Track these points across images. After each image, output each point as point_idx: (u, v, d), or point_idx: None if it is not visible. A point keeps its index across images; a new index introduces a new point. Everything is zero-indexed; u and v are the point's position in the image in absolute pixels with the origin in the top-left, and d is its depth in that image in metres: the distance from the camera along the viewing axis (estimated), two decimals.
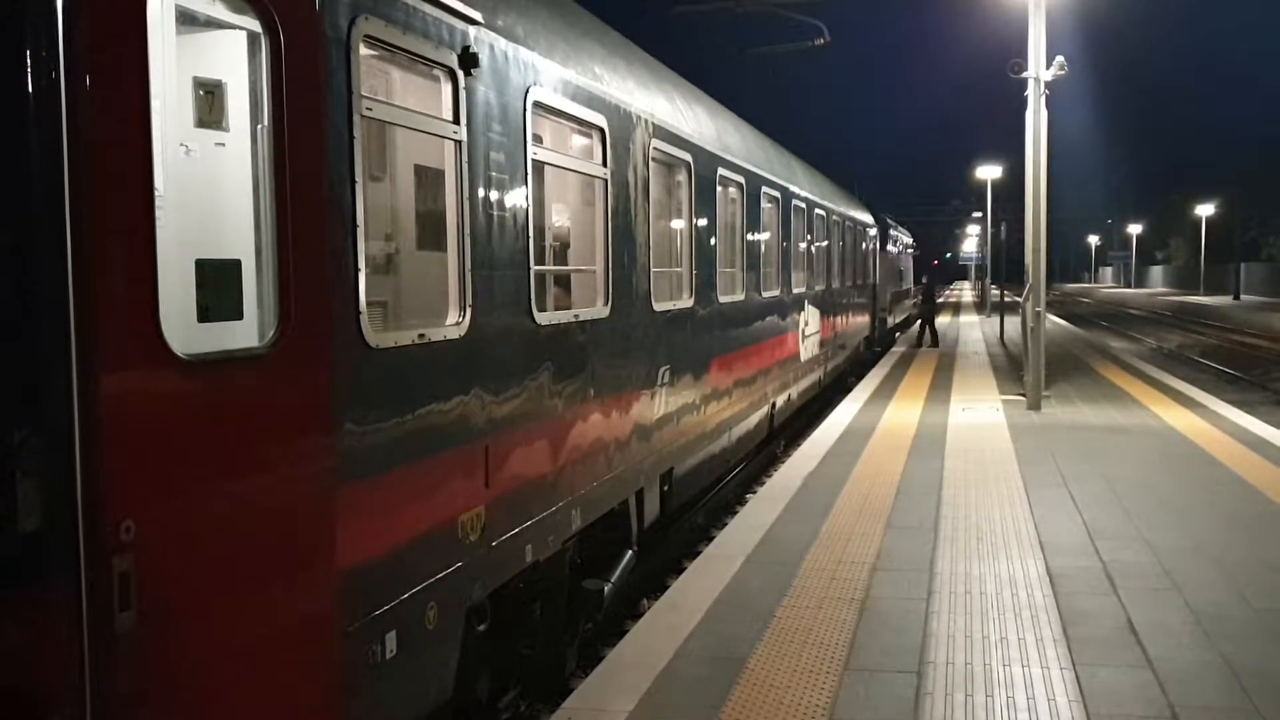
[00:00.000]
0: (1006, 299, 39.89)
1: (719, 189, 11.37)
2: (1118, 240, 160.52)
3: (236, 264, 4.08)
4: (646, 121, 8.70)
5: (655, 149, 8.95)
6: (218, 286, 3.99)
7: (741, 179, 12.50)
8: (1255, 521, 9.62)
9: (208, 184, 4.11)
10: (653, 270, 8.84)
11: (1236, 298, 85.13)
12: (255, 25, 4.03)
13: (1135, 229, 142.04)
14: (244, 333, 4.07)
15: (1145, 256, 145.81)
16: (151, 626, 3.35)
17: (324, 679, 4.31)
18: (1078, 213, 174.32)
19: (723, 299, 11.38)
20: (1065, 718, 5.54)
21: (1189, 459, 12.78)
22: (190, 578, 3.56)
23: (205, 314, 3.95)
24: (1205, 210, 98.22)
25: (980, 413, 17.10)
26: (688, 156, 10.07)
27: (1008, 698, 5.81)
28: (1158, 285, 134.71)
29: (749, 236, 12.98)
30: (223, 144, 4.19)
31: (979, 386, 20.95)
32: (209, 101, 4.16)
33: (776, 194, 14.79)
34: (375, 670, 4.61)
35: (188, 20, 4.03)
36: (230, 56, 4.15)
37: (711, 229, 10.93)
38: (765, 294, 13.87)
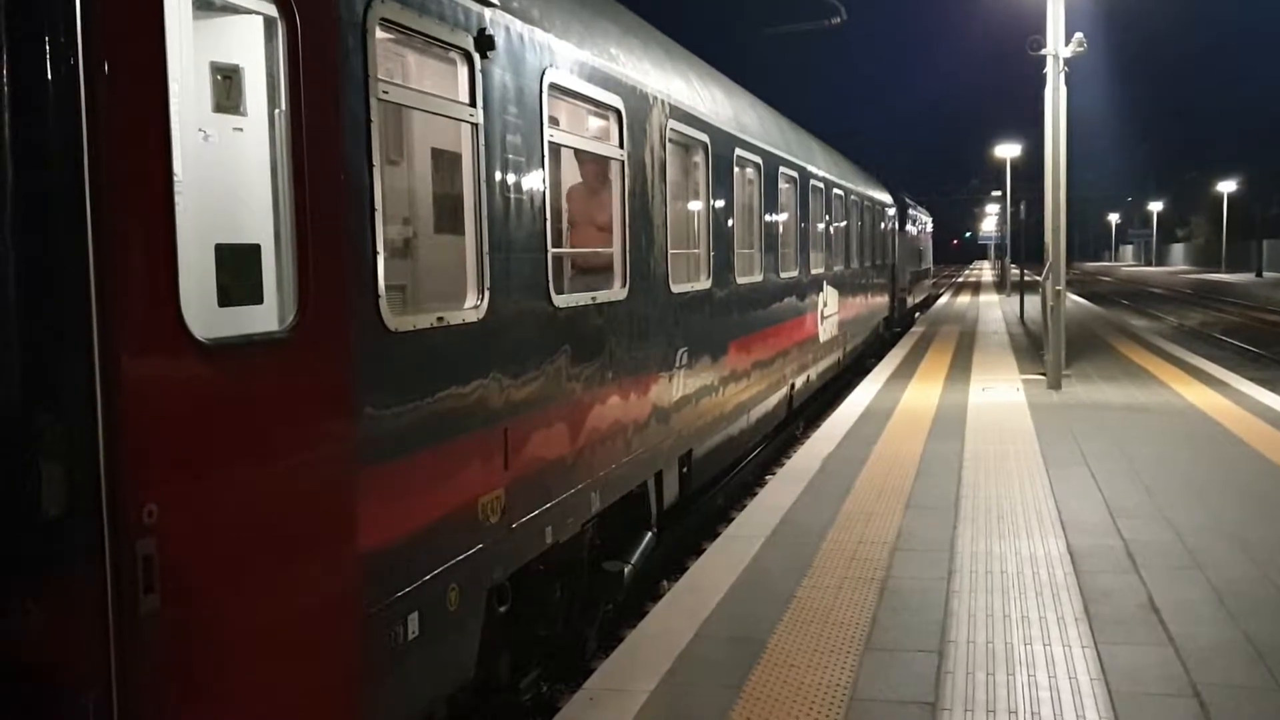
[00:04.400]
0: (1026, 278, 39.67)
1: (736, 169, 11.33)
2: (1138, 218, 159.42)
3: (256, 248, 4.09)
4: (663, 102, 8.67)
5: (672, 130, 8.92)
6: (237, 271, 4.00)
7: (759, 159, 12.45)
8: (1276, 498, 9.56)
9: (226, 169, 4.12)
10: (670, 252, 8.82)
11: (1259, 275, 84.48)
12: (271, 10, 4.03)
13: (1156, 207, 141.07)
14: (264, 317, 4.08)
15: (1166, 234, 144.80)
16: (175, 609, 3.38)
17: (347, 660, 4.34)
18: (1098, 191, 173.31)
19: (741, 280, 11.35)
20: (1087, 696, 5.54)
21: (1211, 437, 12.71)
22: (213, 560, 3.59)
23: (225, 298, 3.96)
24: (1227, 187, 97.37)
25: (1000, 392, 17.04)
26: (705, 137, 10.03)
27: (1029, 676, 5.81)
28: (1179, 263, 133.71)
29: (767, 217, 12.93)
30: (240, 129, 4.20)
31: (999, 366, 20.87)
32: (226, 87, 4.16)
33: (794, 174, 14.72)
34: (398, 651, 4.64)
35: (204, 6, 4.03)
36: (247, 41, 4.15)
37: (729, 210, 10.89)
38: (783, 275, 13.82)
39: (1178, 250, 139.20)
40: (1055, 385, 17.30)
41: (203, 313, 3.65)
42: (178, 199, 3.45)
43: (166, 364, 3.42)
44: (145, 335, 3.33)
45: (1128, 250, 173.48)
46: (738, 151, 11.33)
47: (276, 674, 3.93)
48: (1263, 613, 6.68)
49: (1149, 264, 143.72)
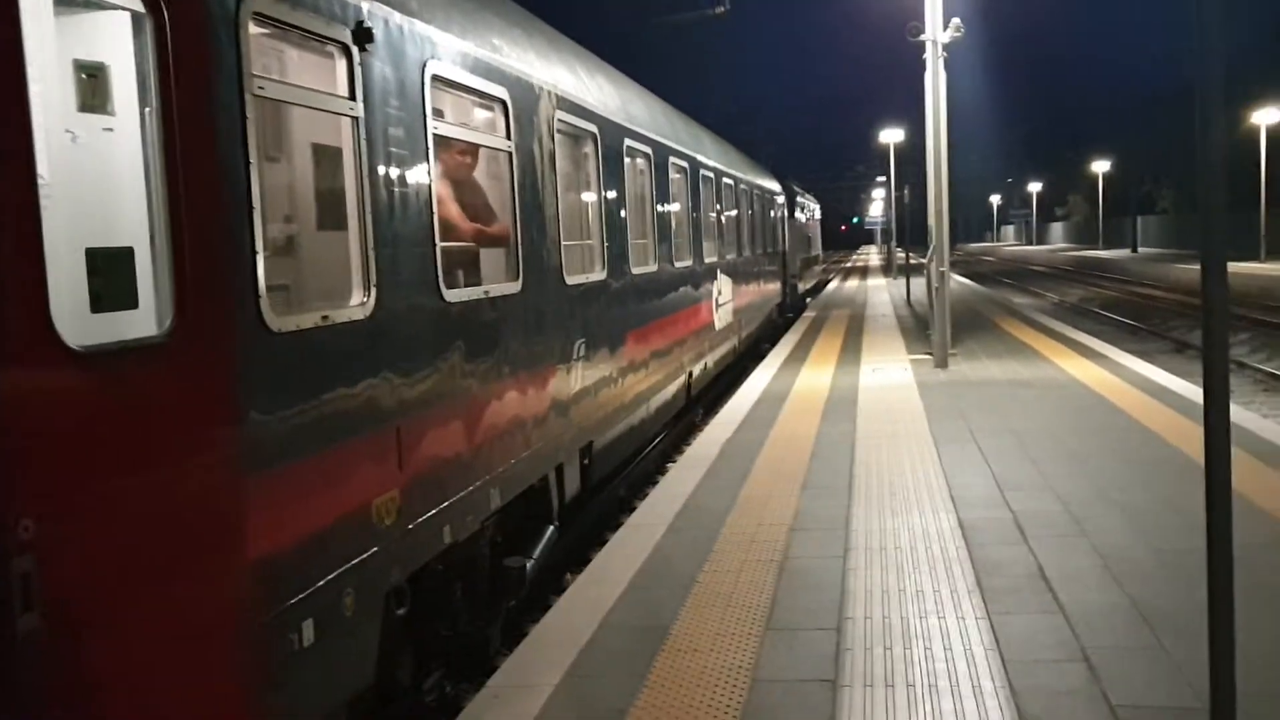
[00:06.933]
0: (911, 261, 40.50)
1: (627, 160, 11.35)
2: (1018, 199, 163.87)
3: (129, 251, 3.96)
4: (550, 93, 8.63)
5: (560, 120, 8.89)
6: (110, 275, 3.87)
7: (649, 149, 12.49)
8: (1156, 465, 9.93)
9: (96, 170, 3.99)
10: (564, 243, 8.79)
11: (1134, 250, 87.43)
12: (138, 5, 3.90)
13: (1035, 187, 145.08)
14: (140, 321, 3.96)
15: (1046, 214, 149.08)
16: (57, 627, 3.26)
17: (241, 671, 4.24)
18: (979, 173, 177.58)
19: (635, 270, 11.38)
20: (981, 665, 5.68)
21: (1092, 409, 13.14)
22: (95, 575, 3.47)
23: (98, 304, 3.83)
24: (1101, 167, 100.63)
25: (889, 373, 17.38)
26: (593, 128, 10.02)
27: (925, 648, 5.94)
28: (1058, 241, 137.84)
29: (659, 207, 12.98)
30: (110, 129, 4.06)
31: (888, 348, 21.28)
32: (92, 85, 4.02)
33: (684, 164, 14.80)
34: (294, 659, 4.55)
35: (65, 2, 3.89)
36: (113, 38, 4.01)
37: (621, 200, 10.90)
38: (678, 264, 13.90)
39: (1057, 229, 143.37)
40: (942, 364, 17.70)
41: (74, 319, 3.53)
42: (44, 202, 3.33)
43: (37, 373, 3.29)
44: (13, 344, 3.20)
45: (1009, 230, 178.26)
46: (627, 142, 11.34)
47: (168, 688, 3.82)
48: (1145, 576, 6.92)
49: (1030, 243, 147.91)
